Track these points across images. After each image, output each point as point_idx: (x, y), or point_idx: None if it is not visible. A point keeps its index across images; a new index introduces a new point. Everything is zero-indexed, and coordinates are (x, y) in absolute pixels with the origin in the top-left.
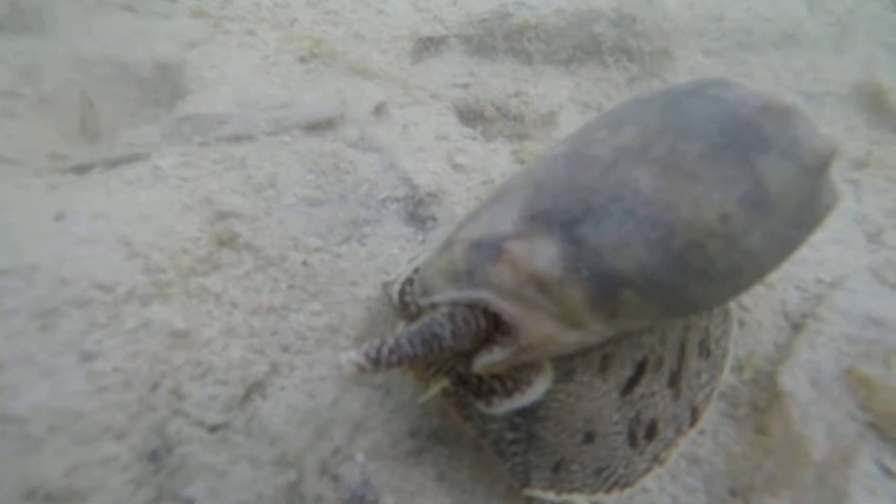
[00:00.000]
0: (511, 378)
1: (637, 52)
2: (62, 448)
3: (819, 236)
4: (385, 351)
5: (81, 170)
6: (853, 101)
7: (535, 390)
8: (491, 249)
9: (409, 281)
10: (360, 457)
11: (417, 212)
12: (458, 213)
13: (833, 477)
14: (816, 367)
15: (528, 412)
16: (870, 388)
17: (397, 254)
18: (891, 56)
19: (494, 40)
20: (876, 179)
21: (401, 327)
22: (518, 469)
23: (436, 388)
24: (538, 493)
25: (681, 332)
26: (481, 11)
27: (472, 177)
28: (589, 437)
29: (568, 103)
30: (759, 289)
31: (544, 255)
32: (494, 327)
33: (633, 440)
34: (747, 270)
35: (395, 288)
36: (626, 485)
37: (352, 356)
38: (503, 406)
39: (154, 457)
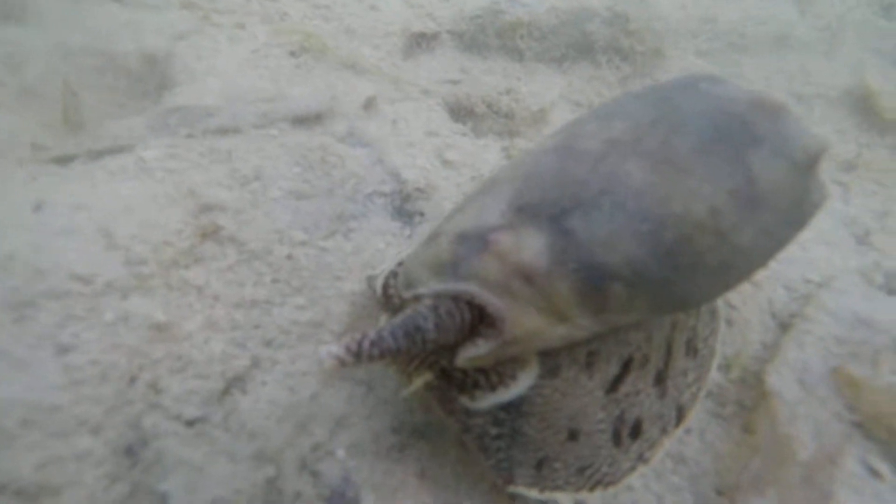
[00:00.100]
0: (496, 372)
1: (630, 51)
2: (35, 442)
3: (807, 237)
4: (366, 344)
5: (64, 160)
6: (843, 105)
7: (520, 385)
8: (477, 241)
9: (394, 274)
10: (340, 453)
11: (405, 207)
12: (447, 209)
13: (819, 476)
14: (804, 367)
15: (512, 407)
16: (857, 389)
17: (383, 249)
18: (880, 61)
19: (487, 37)
20: (864, 182)
21: (384, 320)
22: (501, 465)
23: (419, 382)
24: (521, 490)
25: (668, 331)
26: (474, 8)
27: (462, 173)
28: (573, 435)
29: (560, 101)
30: (746, 287)
31: (532, 247)
32: (479, 320)
33: (617, 439)
34: (737, 266)
35: (379, 281)
36: (609, 483)
37: (332, 349)
38: (487, 400)
39: (130, 451)
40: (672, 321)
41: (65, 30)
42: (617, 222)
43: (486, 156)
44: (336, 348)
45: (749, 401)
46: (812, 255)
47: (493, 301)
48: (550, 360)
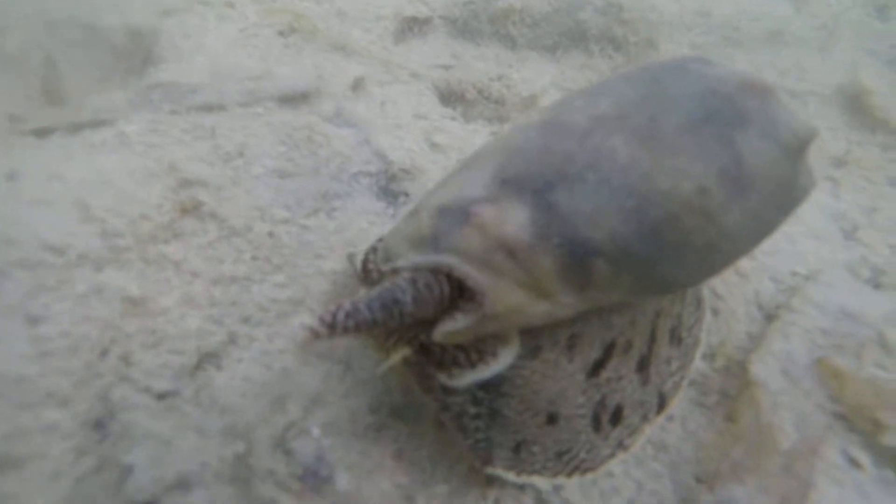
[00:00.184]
0: (475, 349)
1: (623, 41)
2: (1, 413)
3: (796, 230)
4: (341, 315)
5: (42, 133)
6: (835, 102)
7: (500, 362)
8: (459, 214)
9: (374, 249)
10: (315, 431)
11: (390, 187)
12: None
13: (800, 466)
14: (789, 358)
15: (491, 387)
16: (840, 380)
17: (367, 228)
18: (873, 61)
19: (479, 23)
20: (854, 178)
21: (363, 294)
22: (480, 445)
23: (396, 357)
24: (499, 472)
25: (652, 318)
26: None
27: (450, 156)
28: (552, 419)
29: (551, 89)
30: (733, 278)
31: (514, 220)
32: (459, 295)
33: (597, 424)
34: (722, 249)
35: (359, 257)
36: (588, 469)
37: (305, 321)
38: (466, 378)
39: (99, 425)
40: (656, 308)
41: (48, 0)
42: (602, 197)
43: (475, 140)
44: (310, 320)
45: (733, 390)
46: (800, 248)
47: (472, 274)
48: (531, 340)
